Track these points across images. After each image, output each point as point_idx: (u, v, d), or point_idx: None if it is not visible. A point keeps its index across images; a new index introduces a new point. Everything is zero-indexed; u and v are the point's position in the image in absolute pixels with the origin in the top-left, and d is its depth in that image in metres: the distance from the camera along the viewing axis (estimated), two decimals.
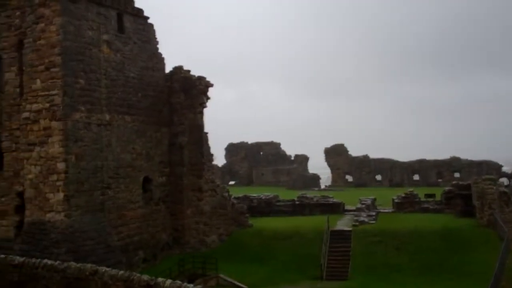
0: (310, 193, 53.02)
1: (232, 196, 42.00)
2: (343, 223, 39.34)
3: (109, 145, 33.04)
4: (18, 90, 31.64)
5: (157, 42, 37.64)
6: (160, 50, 37.94)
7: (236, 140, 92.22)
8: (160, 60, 37.93)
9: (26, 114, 31.22)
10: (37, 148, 30.78)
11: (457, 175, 76.47)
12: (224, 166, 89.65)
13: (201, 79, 38.73)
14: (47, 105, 30.56)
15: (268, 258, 35.16)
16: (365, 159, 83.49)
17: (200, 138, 38.63)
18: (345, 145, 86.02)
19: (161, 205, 37.42)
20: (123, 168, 33.98)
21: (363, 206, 44.44)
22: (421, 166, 79.99)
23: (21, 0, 31.63)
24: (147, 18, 36.79)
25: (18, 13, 31.71)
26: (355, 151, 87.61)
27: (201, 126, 38.78)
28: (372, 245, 34.98)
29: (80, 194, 30.63)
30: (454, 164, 78.79)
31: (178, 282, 17.59)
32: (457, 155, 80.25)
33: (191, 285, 17.58)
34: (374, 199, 48.32)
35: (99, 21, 32.82)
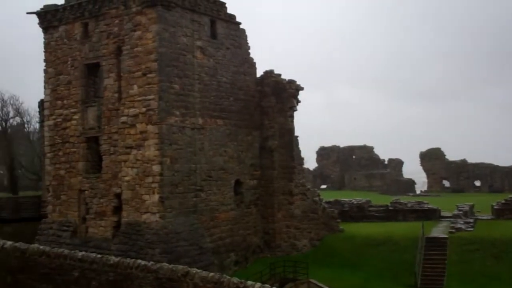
0: (404, 199, 51.64)
1: (323, 201, 41.59)
2: (438, 230, 37.93)
3: (202, 149, 33.69)
4: (116, 95, 32.91)
5: (248, 47, 38.01)
6: (251, 55, 38.32)
7: (327, 143, 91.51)
8: (251, 64, 38.28)
9: (123, 119, 32.41)
10: (134, 151, 31.87)
11: None
12: (315, 170, 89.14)
13: (291, 82, 38.73)
14: (144, 109, 31.59)
15: (360, 265, 34.49)
16: (463, 164, 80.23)
17: (290, 142, 38.61)
18: (442, 149, 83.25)
19: (252, 208, 37.70)
20: (215, 171, 34.53)
21: (460, 212, 42.62)
22: None
23: (119, 9, 32.90)
24: (239, 23, 37.24)
25: (116, 21, 33.03)
26: (452, 155, 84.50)
27: (291, 129, 38.75)
28: (469, 253, 33.48)
29: (174, 196, 31.42)
30: None
31: (267, 286, 17.53)
32: None
33: None
34: (472, 206, 46.32)
35: (193, 27, 33.56)
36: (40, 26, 36.83)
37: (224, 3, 35.86)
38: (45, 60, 36.72)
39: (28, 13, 37.16)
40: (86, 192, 34.10)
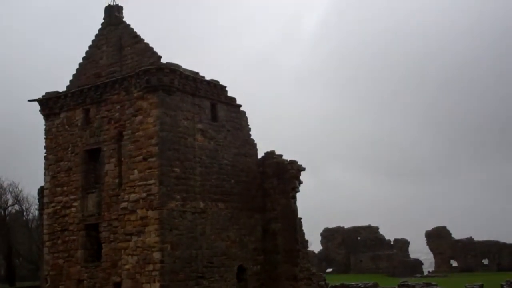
0: (412, 281, 50.15)
1: (329, 285, 40.31)
2: None
3: (204, 233, 32.86)
4: (117, 181, 32.48)
5: (249, 129, 37.95)
6: (252, 136, 38.20)
7: (332, 224, 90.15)
8: (252, 146, 38.06)
9: (124, 204, 31.84)
10: (134, 238, 31.07)
11: None
12: (320, 253, 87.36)
13: (293, 163, 38.25)
14: (144, 194, 31.08)
15: None
16: (469, 242, 78.88)
17: (293, 224, 37.71)
18: (447, 228, 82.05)
19: None
20: (217, 256, 33.52)
21: None
22: None
23: (120, 95, 33.10)
24: (240, 106, 37.37)
25: (118, 107, 33.13)
26: (458, 233, 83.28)
27: (294, 211, 37.94)
28: None
29: (175, 284, 30.31)
30: None
31: None
32: None
33: None
34: (481, 285, 44.95)
35: (194, 111, 33.62)
36: (41, 113, 36.85)
37: (225, 87, 36.12)
38: (45, 147, 36.53)
39: (29, 100, 37.26)
40: (85, 282, 32.90)
